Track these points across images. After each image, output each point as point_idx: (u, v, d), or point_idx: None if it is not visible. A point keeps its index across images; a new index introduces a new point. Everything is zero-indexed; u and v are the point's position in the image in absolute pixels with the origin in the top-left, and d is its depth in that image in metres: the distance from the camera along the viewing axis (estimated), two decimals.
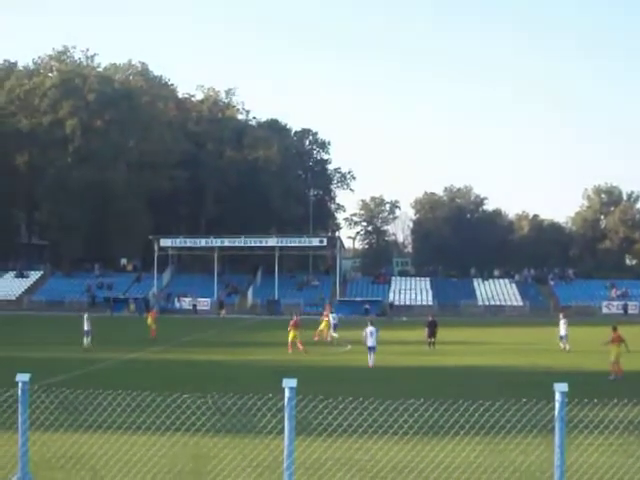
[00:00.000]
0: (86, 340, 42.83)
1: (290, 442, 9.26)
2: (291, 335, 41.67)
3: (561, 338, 43.75)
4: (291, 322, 42.80)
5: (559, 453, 9.21)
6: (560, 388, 9.14)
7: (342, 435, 14.70)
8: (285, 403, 9.23)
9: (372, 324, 36.45)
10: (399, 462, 14.02)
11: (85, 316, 44.16)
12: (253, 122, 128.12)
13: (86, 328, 43.16)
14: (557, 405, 9.13)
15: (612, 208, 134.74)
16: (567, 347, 42.97)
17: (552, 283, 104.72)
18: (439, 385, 27.47)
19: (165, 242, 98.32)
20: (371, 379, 29.73)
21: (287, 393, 9.22)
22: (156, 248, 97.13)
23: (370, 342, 34.97)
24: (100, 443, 14.73)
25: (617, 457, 14.76)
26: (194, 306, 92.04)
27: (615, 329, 31.98)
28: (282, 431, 9.32)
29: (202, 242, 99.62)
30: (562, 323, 43.71)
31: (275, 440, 13.63)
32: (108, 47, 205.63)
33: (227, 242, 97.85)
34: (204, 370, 32.74)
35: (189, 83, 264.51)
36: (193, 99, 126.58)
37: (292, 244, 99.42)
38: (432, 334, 43.65)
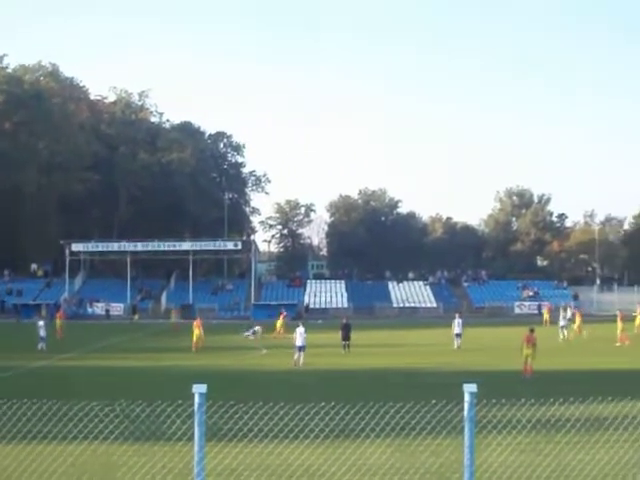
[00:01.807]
0: (41, 345, 44.45)
1: (200, 448, 9.12)
2: (196, 334, 45.47)
3: (456, 336, 45.96)
4: (195, 323, 46.74)
5: (468, 453, 9.25)
6: (469, 389, 9.18)
7: (253, 440, 14.57)
8: (195, 409, 9.08)
9: (302, 325, 38.99)
10: (311, 465, 13.97)
11: (40, 323, 46.07)
12: (167, 125, 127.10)
13: (41, 334, 44.80)
14: (466, 406, 9.17)
15: (523, 210, 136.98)
16: (457, 344, 45.57)
17: (465, 285, 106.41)
18: (351, 388, 27.54)
19: (77, 246, 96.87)
20: (284, 383, 29.65)
21: (197, 399, 9.08)
22: (67, 253, 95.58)
23: (299, 342, 37.06)
24: (5, 454, 14.34)
25: (525, 456, 14.95)
26: (107, 311, 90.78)
27: (532, 331, 33.31)
28: (192, 437, 9.18)
29: (115, 246, 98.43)
30: (457, 323, 46.30)
31: (185, 446, 13.46)
32: (17, 48, 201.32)
33: (140, 246, 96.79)
34: (114, 377, 32.21)
35: (101, 85, 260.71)
36: (106, 101, 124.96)
37: (206, 248, 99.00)
38: (346, 337, 43.91)
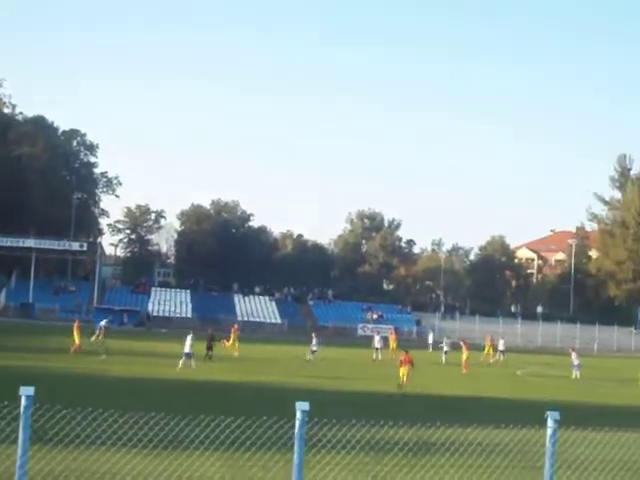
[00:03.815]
0: None
1: (24, 452, 8.88)
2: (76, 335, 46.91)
3: (312, 352, 50.43)
4: (75, 324, 48.17)
5: (297, 471, 9.33)
6: (301, 407, 9.26)
7: (80, 446, 14.29)
8: (20, 412, 8.83)
9: (192, 333, 42.08)
10: (139, 474, 13.76)
11: None
12: (19, 117, 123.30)
13: None
14: (297, 423, 9.24)
15: (374, 233, 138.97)
16: (310, 358, 49.88)
17: (311, 303, 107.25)
18: (187, 399, 27.41)
19: None
20: (119, 390, 29.18)
21: (23, 401, 8.83)
22: None
23: (187, 349, 40.73)
24: None
25: (353, 476, 15.19)
26: None
27: (407, 352, 36.57)
28: (16, 440, 8.92)
29: None
30: (314, 341, 51.32)
31: (8, 449, 13.03)
32: None
33: None
34: None
35: None
36: None
37: (51, 247, 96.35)
38: (210, 347, 46.48)
